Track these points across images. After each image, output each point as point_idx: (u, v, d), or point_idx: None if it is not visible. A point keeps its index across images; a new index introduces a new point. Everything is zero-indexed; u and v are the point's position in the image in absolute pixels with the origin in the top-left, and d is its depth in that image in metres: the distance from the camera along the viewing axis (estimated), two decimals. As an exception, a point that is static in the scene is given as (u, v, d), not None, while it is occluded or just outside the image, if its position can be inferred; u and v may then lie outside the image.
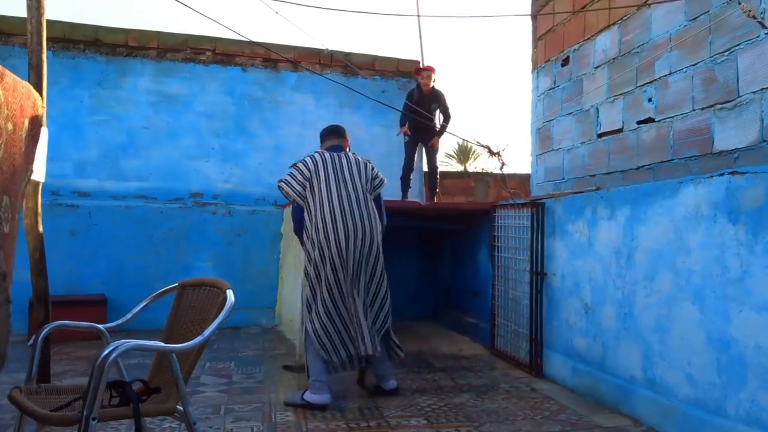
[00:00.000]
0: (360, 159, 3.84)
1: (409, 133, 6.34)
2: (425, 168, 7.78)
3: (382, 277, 3.75)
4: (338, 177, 3.69)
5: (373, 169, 3.84)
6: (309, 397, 3.51)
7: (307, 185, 3.66)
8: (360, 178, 3.74)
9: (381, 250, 3.74)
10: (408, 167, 6.45)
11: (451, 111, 6.38)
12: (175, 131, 6.77)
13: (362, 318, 3.62)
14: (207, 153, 6.85)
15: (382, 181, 3.84)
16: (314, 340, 3.57)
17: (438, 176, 6.68)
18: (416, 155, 6.53)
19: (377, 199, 3.83)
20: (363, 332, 3.60)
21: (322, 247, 3.57)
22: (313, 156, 3.77)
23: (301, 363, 3.73)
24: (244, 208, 6.64)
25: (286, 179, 3.71)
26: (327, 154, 3.77)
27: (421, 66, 6.72)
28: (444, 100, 6.38)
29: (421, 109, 6.18)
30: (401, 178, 6.47)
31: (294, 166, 3.76)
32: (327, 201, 3.60)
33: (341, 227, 3.57)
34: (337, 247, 3.56)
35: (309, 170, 3.68)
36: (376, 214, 3.75)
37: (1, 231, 2.11)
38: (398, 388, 3.84)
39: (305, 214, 3.67)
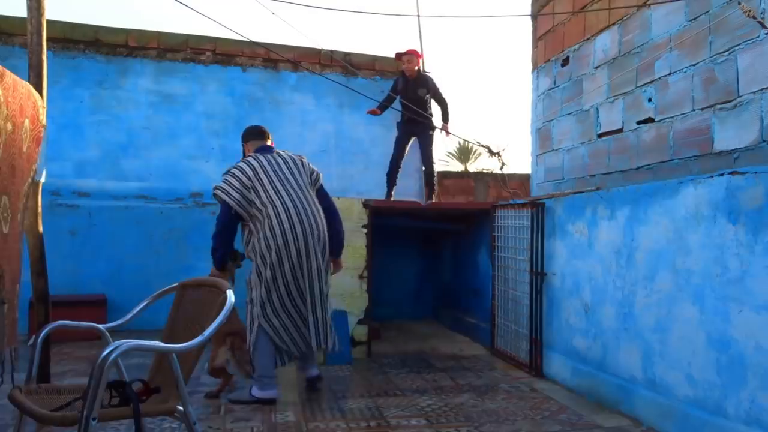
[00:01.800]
0: (293, 156, 3.83)
1: (378, 113, 6.18)
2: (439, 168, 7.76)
3: (328, 271, 3.80)
4: (281, 178, 3.66)
5: (308, 163, 3.85)
6: (257, 393, 3.57)
7: (251, 193, 3.57)
8: (301, 176, 3.75)
9: (327, 252, 3.78)
10: (396, 163, 6.19)
11: (444, 95, 6.13)
12: (175, 131, 6.77)
13: (319, 313, 3.67)
14: (207, 153, 6.85)
15: (319, 175, 3.86)
16: (274, 337, 3.59)
17: (435, 174, 6.38)
18: (407, 151, 6.27)
19: (324, 192, 3.86)
20: (318, 328, 3.66)
21: (280, 250, 3.53)
22: (249, 162, 3.67)
23: (219, 389, 3.77)
24: (244, 208, 6.63)
25: (221, 186, 3.62)
26: (262, 158, 3.70)
27: (401, 52, 6.27)
28: (434, 83, 6.11)
29: (408, 96, 5.96)
30: (387, 175, 6.21)
31: (229, 173, 3.66)
32: (280, 204, 3.57)
33: (299, 228, 3.57)
34: (296, 249, 3.56)
35: (249, 177, 3.59)
36: (321, 208, 3.78)
37: (0, 231, 2.11)
38: (320, 376, 3.90)
39: (252, 222, 3.59)
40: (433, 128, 6.19)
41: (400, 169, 6.24)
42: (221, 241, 3.67)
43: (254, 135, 3.93)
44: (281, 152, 3.82)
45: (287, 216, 3.56)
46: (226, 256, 3.74)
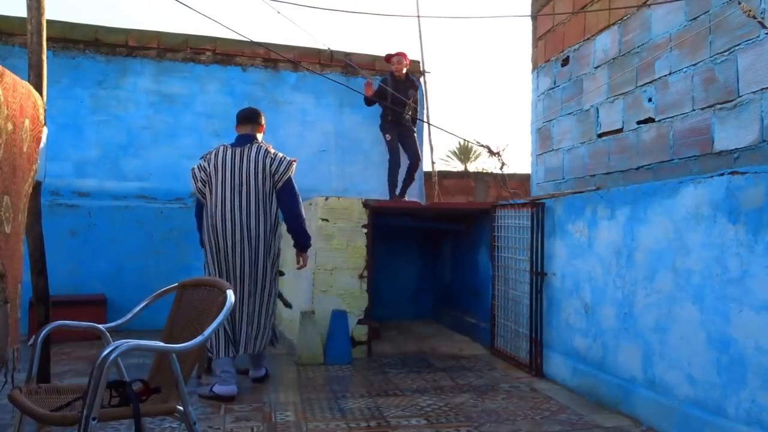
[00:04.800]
0: (263, 152, 3.85)
1: (370, 92, 6.33)
2: (426, 168, 7.75)
3: (268, 284, 3.88)
4: (234, 180, 3.78)
5: (272, 162, 3.83)
6: (217, 389, 3.66)
7: (207, 183, 3.84)
8: (257, 176, 3.79)
9: (270, 258, 3.86)
10: (395, 166, 6.33)
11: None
12: (175, 131, 6.76)
13: (245, 320, 3.80)
14: (207, 153, 6.85)
15: (285, 172, 3.85)
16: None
17: (419, 169, 6.53)
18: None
19: (286, 187, 3.86)
20: (243, 334, 3.81)
21: (212, 248, 3.80)
22: (218, 151, 3.87)
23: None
24: (244, 208, 6.63)
25: (194, 169, 3.91)
26: (229, 152, 3.84)
27: (391, 54, 6.49)
28: (419, 87, 6.43)
29: (396, 95, 6.14)
30: (389, 179, 6.35)
31: (203, 157, 3.93)
32: (220, 204, 3.76)
33: (230, 234, 3.74)
34: (224, 252, 3.76)
35: (209, 169, 3.83)
36: (272, 218, 3.84)
37: (2, 231, 2.11)
38: (265, 376, 4.08)
39: (204, 210, 3.88)
40: (416, 127, 6.46)
41: (398, 170, 6.38)
42: (198, 220, 4.01)
43: (240, 120, 4.02)
44: (254, 147, 3.85)
45: (222, 222, 3.75)
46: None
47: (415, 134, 6.48)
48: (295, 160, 3.94)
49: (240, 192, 3.77)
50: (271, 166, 3.82)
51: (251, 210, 3.77)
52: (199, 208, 3.97)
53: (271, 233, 3.85)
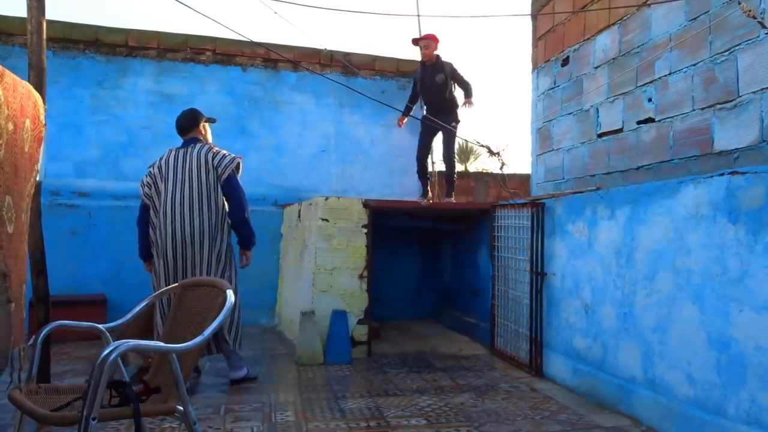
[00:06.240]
0: (204, 150, 3.90)
1: (404, 120, 6.08)
2: (439, 167, 7.72)
3: (218, 268, 3.85)
4: (177, 177, 3.85)
5: (214, 157, 3.89)
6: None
7: (153, 186, 3.90)
8: (201, 175, 3.85)
9: (221, 249, 3.86)
10: (421, 162, 6.06)
11: (465, 77, 5.76)
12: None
13: None
14: (207, 153, 6.84)
15: (227, 166, 3.89)
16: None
17: (454, 169, 6.14)
18: (431, 146, 6.10)
19: (229, 181, 3.88)
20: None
21: (158, 245, 3.84)
22: (162, 156, 3.97)
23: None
24: (244, 208, 6.62)
25: (142, 179, 3.98)
26: (173, 154, 3.94)
27: (417, 38, 5.97)
28: (452, 67, 5.74)
29: (426, 84, 5.78)
30: (418, 174, 6.14)
31: (150, 166, 4.01)
32: (165, 202, 3.81)
33: (175, 228, 3.77)
34: (172, 246, 3.78)
35: (154, 173, 3.92)
36: (218, 211, 3.85)
37: (4, 231, 2.11)
38: (245, 378, 3.95)
39: (151, 213, 3.91)
40: (457, 121, 5.91)
41: (426, 166, 6.15)
42: (140, 229, 4.01)
43: (179, 131, 4.11)
44: (196, 147, 3.92)
45: (171, 218, 3.78)
46: (146, 245, 3.98)
47: (454, 130, 5.85)
48: (240, 158, 3.99)
49: (183, 187, 3.81)
50: (213, 160, 3.88)
51: (194, 203, 3.80)
52: (141, 215, 3.98)
53: (217, 226, 3.85)
